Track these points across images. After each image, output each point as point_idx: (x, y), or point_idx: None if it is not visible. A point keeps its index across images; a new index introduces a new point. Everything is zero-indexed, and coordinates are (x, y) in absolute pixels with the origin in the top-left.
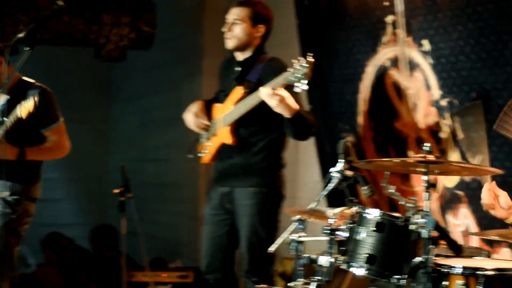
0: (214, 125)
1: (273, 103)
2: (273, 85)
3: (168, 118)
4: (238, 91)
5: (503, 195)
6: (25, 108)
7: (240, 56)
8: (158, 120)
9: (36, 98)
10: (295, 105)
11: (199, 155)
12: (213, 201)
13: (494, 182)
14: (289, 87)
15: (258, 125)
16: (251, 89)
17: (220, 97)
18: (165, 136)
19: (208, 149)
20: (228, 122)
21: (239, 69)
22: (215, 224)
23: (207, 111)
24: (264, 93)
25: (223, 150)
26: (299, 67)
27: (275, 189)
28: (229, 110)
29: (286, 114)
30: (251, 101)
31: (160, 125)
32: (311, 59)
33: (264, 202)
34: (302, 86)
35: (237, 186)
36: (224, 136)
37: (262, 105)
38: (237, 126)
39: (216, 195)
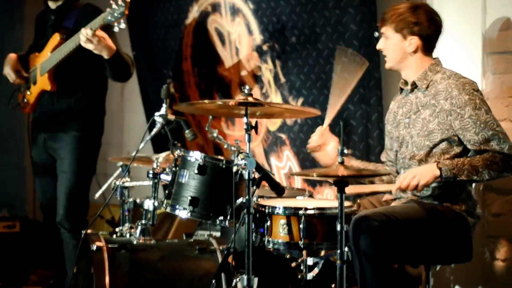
0: (33, 74)
1: (91, 45)
2: (91, 26)
3: None
4: (55, 38)
5: (334, 142)
6: None
7: (53, 5)
8: None
9: None
10: (113, 46)
11: (21, 105)
12: (38, 149)
13: (327, 128)
14: (106, 28)
15: (78, 70)
16: (68, 35)
17: (39, 47)
18: None
19: (28, 99)
20: (47, 69)
21: (53, 17)
22: (45, 171)
23: (23, 63)
24: (83, 35)
25: (43, 97)
26: (116, 7)
27: (97, 134)
28: (46, 57)
29: (105, 55)
30: (68, 46)
31: None
32: None
33: (85, 147)
34: (120, 25)
35: (60, 131)
36: (43, 83)
37: (82, 50)
38: (56, 73)
39: (40, 142)
